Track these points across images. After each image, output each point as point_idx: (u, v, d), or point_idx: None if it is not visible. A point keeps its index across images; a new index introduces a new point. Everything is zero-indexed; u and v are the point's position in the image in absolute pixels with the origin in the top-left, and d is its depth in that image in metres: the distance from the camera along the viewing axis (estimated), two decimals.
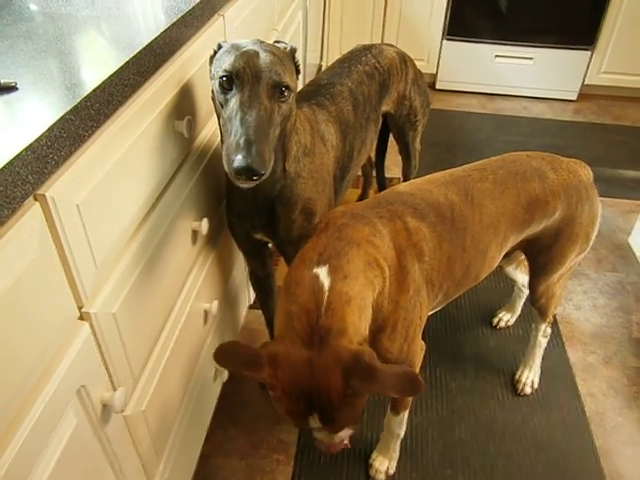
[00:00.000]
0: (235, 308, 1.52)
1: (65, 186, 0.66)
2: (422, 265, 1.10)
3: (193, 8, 1.00)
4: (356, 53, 1.50)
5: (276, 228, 1.15)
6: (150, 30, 0.88)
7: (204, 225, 1.09)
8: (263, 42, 0.93)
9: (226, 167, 0.85)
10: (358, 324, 0.90)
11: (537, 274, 1.35)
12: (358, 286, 0.93)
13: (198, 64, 1.05)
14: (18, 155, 0.56)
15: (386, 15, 3.03)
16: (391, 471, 1.39)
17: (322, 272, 0.92)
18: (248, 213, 1.15)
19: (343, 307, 0.89)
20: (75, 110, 0.66)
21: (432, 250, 1.11)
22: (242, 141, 0.82)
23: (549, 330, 1.54)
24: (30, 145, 0.58)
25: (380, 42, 2.78)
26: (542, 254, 1.31)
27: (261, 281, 1.43)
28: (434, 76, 3.20)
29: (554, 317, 1.82)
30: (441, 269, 1.14)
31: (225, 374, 1.41)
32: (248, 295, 1.68)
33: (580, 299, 1.91)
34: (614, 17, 2.88)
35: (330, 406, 0.85)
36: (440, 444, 1.47)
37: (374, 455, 1.40)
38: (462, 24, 3.01)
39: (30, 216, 0.61)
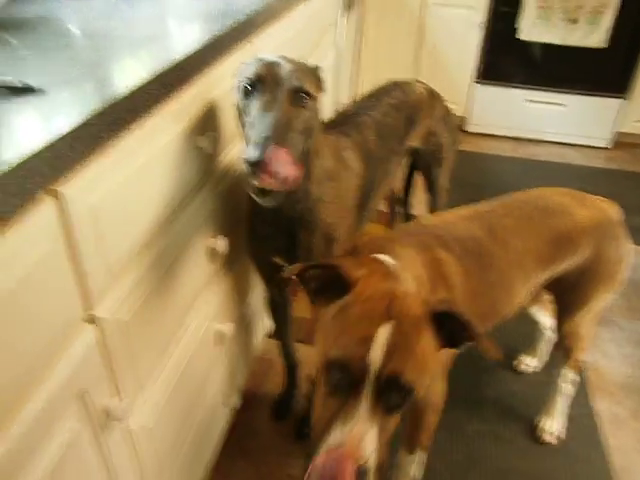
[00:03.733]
0: (250, 336, 1.50)
1: (81, 185, 0.67)
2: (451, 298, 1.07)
3: (225, 32, 1.02)
4: (385, 87, 1.52)
5: (296, 252, 1.15)
6: (180, 49, 0.90)
7: (221, 243, 1.09)
8: (287, 57, 0.95)
9: (243, 164, 0.85)
10: None
11: (562, 313, 1.31)
12: None
13: (224, 86, 1.08)
14: (38, 151, 0.58)
15: (419, 58, 3.09)
16: None
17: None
18: (269, 237, 1.15)
19: None
20: (96, 115, 0.67)
21: (460, 283, 1.08)
22: (259, 137, 0.83)
23: (575, 377, 1.47)
24: (51, 144, 0.59)
25: None
26: (568, 293, 1.27)
27: (278, 308, 1.41)
28: (465, 119, 3.22)
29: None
30: (467, 303, 1.11)
31: (235, 400, 1.39)
32: (263, 325, 1.66)
33: (609, 347, 1.83)
34: None
35: (409, 325, 0.78)
36: None
37: None
38: (494, 69, 3.04)
39: (44, 210, 0.62)
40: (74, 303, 0.69)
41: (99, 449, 0.79)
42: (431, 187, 1.77)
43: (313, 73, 0.98)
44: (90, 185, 0.69)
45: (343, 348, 0.75)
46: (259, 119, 0.87)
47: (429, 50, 3.07)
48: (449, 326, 0.81)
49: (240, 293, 1.34)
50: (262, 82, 0.89)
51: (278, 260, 1.20)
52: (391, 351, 0.74)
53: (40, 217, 0.61)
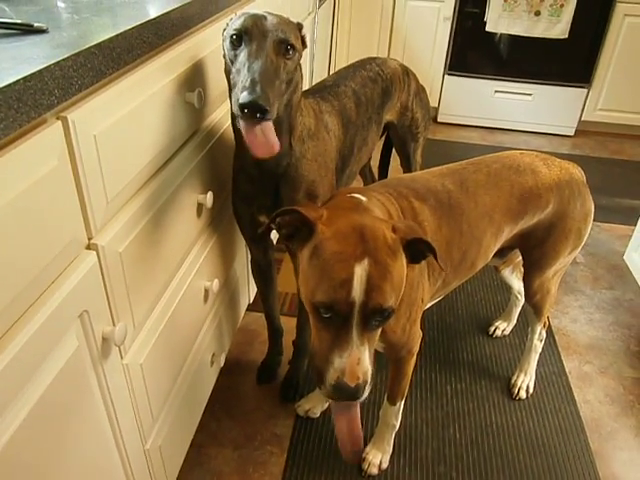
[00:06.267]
0: (234, 302, 1.54)
1: (85, 115, 0.72)
2: None
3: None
4: (361, 62, 1.59)
5: None
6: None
7: (209, 198, 1.14)
8: (271, 12, 1.01)
9: (234, 108, 0.91)
10: None
11: (531, 269, 1.39)
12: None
13: (210, 48, 1.13)
14: (47, 67, 0.62)
15: (390, 51, 3.18)
16: (384, 465, 1.38)
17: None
18: (254, 195, 1.20)
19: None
20: (98, 46, 0.72)
21: (433, 232, 1.15)
22: (248, 82, 0.89)
23: (544, 334, 1.55)
24: (58, 62, 0.64)
25: None
26: (536, 249, 1.35)
27: (262, 270, 1.46)
28: (436, 109, 3.32)
29: (550, 327, 1.83)
30: (440, 252, 1.17)
31: (222, 359, 1.43)
32: (248, 294, 1.71)
33: (576, 313, 1.93)
34: (609, 57, 3.01)
35: (383, 249, 0.84)
36: (434, 442, 1.46)
37: (368, 448, 1.40)
38: (463, 60, 3.15)
39: (53, 131, 0.66)
40: (78, 226, 0.74)
41: (97, 374, 0.82)
42: (406, 162, 1.84)
43: (296, 28, 1.04)
44: (93, 115, 0.73)
45: (326, 293, 0.82)
46: (247, 66, 0.92)
47: (400, 42, 3.17)
48: (413, 247, 0.90)
49: (226, 255, 1.38)
50: (249, 34, 0.95)
51: (263, 219, 1.25)
52: (370, 285, 0.82)
53: (48, 137, 0.65)
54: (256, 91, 0.88)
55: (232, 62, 0.97)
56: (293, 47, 0.98)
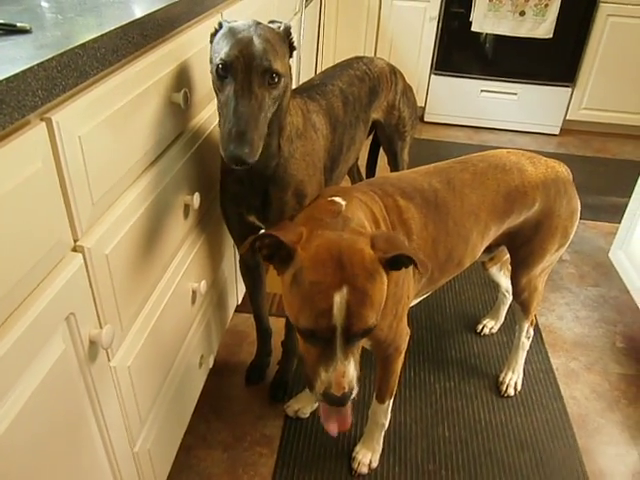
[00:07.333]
0: (223, 303, 1.54)
1: (70, 116, 0.71)
2: (410, 244, 1.14)
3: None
4: (348, 61, 1.59)
5: (268, 210, 1.20)
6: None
7: (196, 199, 1.14)
8: (259, 24, 1.00)
9: (221, 152, 0.94)
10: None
11: (519, 267, 1.40)
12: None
13: (196, 48, 1.12)
14: (31, 68, 0.61)
15: (376, 51, 3.19)
16: (374, 464, 1.39)
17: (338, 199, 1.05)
18: (242, 195, 1.19)
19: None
20: (83, 47, 0.71)
21: (419, 230, 1.15)
22: (234, 131, 0.91)
23: (531, 331, 1.56)
24: (41, 63, 0.63)
25: None
26: (523, 247, 1.36)
27: (251, 270, 1.46)
28: (422, 109, 3.33)
29: (537, 324, 1.85)
30: (426, 250, 1.18)
31: (210, 361, 1.42)
32: (236, 295, 1.70)
33: (563, 310, 1.94)
34: (593, 57, 3.05)
35: (361, 274, 0.86)
36: (423, 441, 1.47)
37: (357, 448, 1.40)
38: (449, 60, 3.17)
39: (36, 132, 0.65)
40: (63, 228, 0.73)
41: (84, 377, 0.82)
42: (394, 161, 1.85)
43: (283, 40, 1.03)
44: (78, 116, 0.73)
45: (307, 320, 0.86)
46: (233, 107, 0.93)
47: (387, 42, 3.18)
48: (393, 258, 0.91)
49: (214, 256, 1.38)
50: (234, 68, 0.94)
51: (252, 219, 1.25)
52: (350, 312, 0.85)
53: (32, 139, 0.65)
54: (242, 144, 0.91)
55: (219, 89, 0.97)
56: (279, 75, 0.97)
